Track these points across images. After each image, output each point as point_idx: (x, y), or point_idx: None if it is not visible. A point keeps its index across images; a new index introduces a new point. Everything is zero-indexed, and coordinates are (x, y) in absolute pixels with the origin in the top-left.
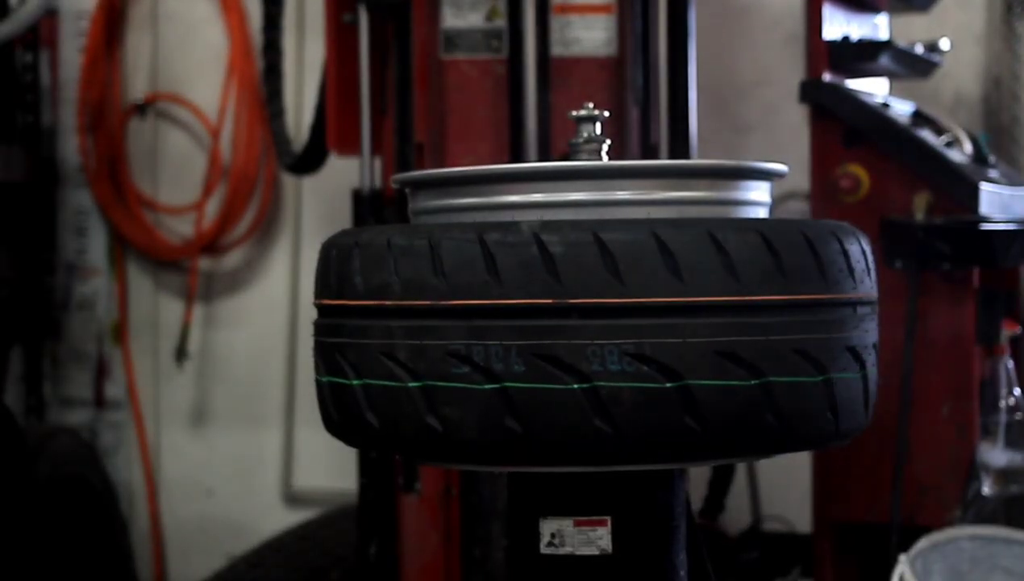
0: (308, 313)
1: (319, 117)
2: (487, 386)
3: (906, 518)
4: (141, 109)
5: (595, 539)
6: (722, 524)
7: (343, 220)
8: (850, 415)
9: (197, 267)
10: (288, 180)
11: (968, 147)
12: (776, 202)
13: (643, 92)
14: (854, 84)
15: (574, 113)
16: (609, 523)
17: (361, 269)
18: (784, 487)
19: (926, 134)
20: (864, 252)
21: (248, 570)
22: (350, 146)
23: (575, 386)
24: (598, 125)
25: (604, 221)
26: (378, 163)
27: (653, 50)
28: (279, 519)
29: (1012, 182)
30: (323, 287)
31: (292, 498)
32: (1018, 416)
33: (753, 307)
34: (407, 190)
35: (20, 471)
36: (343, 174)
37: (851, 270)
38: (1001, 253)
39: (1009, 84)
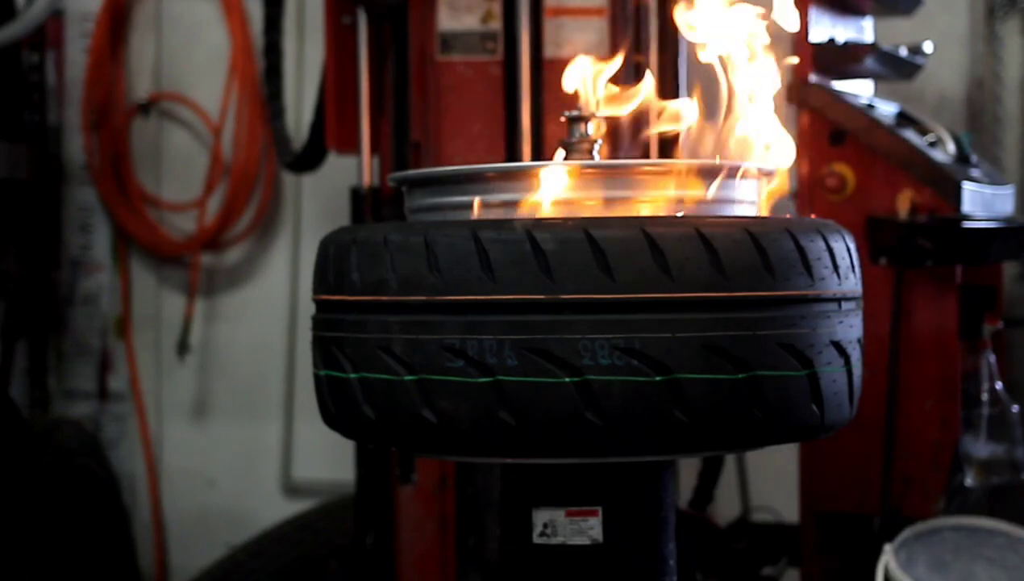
0: (307, 308)
1: (318, 116)
2: (481, 379)
3: (891, 509)
4: (145, 108)
5: (586, 529)
6: (711, 515)
7: (342, 217)
8: (835, 408)
9: (199, 263)
10: (288, 178)
11: (951, 147)
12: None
13: None
14: (840, 85)
15: (567, 113)
16: (600, 513)
17: (358, 265)
18: (772, 478)
19: (910, 134)
20: (849, 249)
21: (248, 559)
22: (348, 145)
23: (567, 380)
24: (590, 125)
25: (595, 219)
26: (376, 162)
27: (644, 52)
28: (278, 510)
29: (994, 181)
30: (321, 283)
31: (291, 489)
32: (1000, 409)
33: (740, 303)
34: (404, 188)
35: (25, 462)
36: (342, 172)
37: (836, 267)
38: (983, 250)
39: (991, 85)
